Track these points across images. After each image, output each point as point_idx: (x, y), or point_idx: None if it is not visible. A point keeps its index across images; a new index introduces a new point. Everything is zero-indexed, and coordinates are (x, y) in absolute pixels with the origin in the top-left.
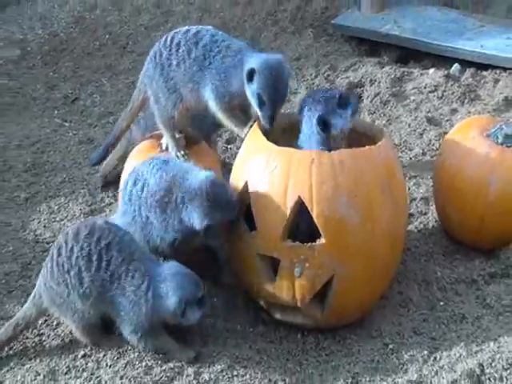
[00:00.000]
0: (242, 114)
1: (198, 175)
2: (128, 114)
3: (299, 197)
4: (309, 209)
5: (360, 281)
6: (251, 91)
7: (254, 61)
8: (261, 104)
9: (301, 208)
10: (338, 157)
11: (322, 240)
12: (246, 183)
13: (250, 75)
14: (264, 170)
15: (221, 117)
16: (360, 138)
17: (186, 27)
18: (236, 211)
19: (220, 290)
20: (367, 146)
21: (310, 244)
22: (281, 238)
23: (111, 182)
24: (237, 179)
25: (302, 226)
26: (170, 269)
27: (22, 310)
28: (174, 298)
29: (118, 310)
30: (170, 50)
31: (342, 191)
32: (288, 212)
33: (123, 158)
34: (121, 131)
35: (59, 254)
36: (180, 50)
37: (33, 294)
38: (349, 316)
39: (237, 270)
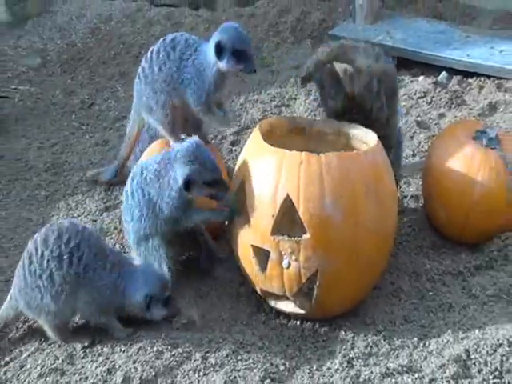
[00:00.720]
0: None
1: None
2: (127, 142)
3: (288, 194)
4: (296, 206)
5: (344, 276)
6: (225, 60)
7: (215, 38)
8: (240, 59)
9: None
10: (325, 159)
11: (307, 236)
12: (243, 181)
13: (218, 49)
14: (258, 168)
15: (202, 117)
16: (356, 143)
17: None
18: (217, 174)
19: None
20: (355, 151)
21: (296, 238)
22: (270, 231)
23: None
24: (236, 177)
25: None
26: (142, 266)
27: None
28: (142, 292)
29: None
30: (151, 60)
31: (328, 191)
32: (277, 208)
33: None
34: (124, 159)
35: (30, 262)
36: (160, 56)
37: (9, 297)
38: (336, 308)
39: (237, 261)
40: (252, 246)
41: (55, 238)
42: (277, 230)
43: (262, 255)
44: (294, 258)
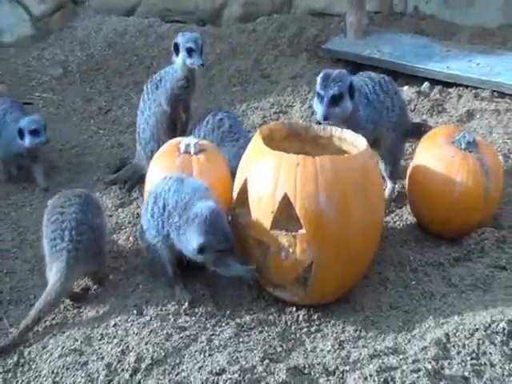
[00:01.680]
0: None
1: (204, 203)
2: None
3: (285, 193)
4: (293, 204)
5: (335, 267)
6: (182, 56)
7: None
8: (191, 52)
9: None
10: (319, 161)
11: (303, 231)
12: (246, 180)
13: (176, 47)
14: (259, 169)
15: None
16: (347, 146)
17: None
18: (229, 243)
19: None
20: (346, 155)
21: (292, 233)
22: (270, 226)
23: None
24: (239, 177)
25: None
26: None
27: None
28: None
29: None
30: (143, 96)
31: (321, 190)
32: (276, 205)
33: None
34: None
35: None
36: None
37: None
38: (327, 296)
39: (240, 252)
40: (253, 238)
41: None
42: (275, 225)
43: (261, 247)
44: (291, 250)
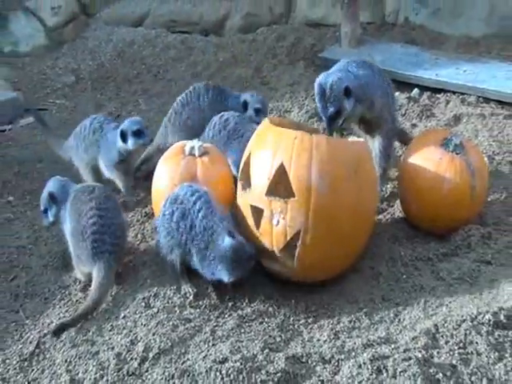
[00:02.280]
0: None
1: (225, 241)
2: None
3: (282, 163)
4: (287, 173)
5: (323, 241)
6: (131, 140)
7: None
8: (140, 135)
9: None
10: (316, 139)
11: (295, 198)
12: (250, 154)
13: (123, 136)
14: (262, 142)
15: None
16: None
17: None
18: (254, 260)
19: None
20: (343, 139)
21: (285, 199)
22: (265, 192)
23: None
24: (245, 152)
25: None
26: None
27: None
28: None
29: None
30: None
31: (314, 164)
32: (273, 173)
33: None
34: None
35: None
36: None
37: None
38: (316, 272)
39: (239, 222)
40: (251, 205)
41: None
42: (271, 191)
43: (257, 214)
44: (282, 216)
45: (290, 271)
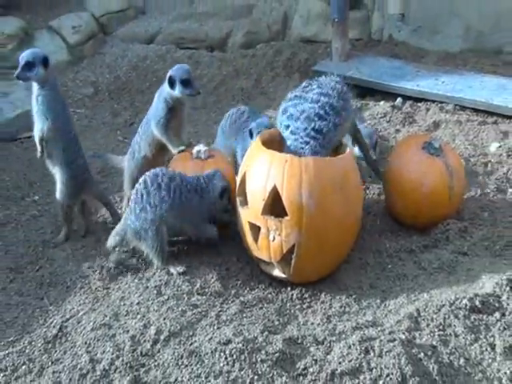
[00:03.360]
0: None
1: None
2: None
3: (275, 185)
4: (280, 194)
5: (315, 250)
6: (178, 88)
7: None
8: (187, 85)
9: None
10: (304, 161)
11: (288, 217)
12: (245, 174)
13: (171, 82)
14: (255, 164)
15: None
16: (335, 152)
17: None
18: None
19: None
20: (328, 157)
21: (279, 219)
22: (261, 211)
23: None
24: (241, 170)
25: None
26: None
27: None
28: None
29: None
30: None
31: (304, 185)
32: (267, 194)
33: None
34: None
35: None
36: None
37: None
38: (310, 275)
39: (240, 235)
40: (248, 222)
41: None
42: (266, 211)
43: (255, 230)
44: (277, 233)
45: (287, 276)
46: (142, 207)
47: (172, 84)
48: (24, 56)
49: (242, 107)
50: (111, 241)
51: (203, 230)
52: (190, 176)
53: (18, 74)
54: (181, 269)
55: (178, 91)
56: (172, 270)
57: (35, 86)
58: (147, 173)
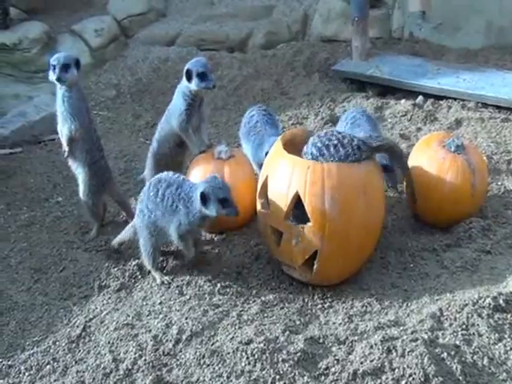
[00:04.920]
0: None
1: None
2: None
3: (297, 191)
4: (302, 200)
5: (337, 256)
6: (195, 81)
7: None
8: (204, 78)
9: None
10: (327, 166)
11: (310, 223)
12: (267, 178)
13: (188, 75)
14: (277, 168)
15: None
16: None
17: None
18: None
19: None
20: (351, 163)
21: (301, 225)
22: (284, 217)
23: None
24: (263, 173)
25: None
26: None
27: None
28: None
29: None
30: None
31: (327, 191)
32: (289, 200)
33: None
34: None
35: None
36: None
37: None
38: (331, 278)
39: (262, 237)
40: (271, 226)
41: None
42: (288, 216)
43: (277, 234)
44: (300, 239)
45: (308, 279)
46: (140, 208)
47: (189, 77)
48: (60, 58)
49: (254, 109)
50: (125, 235)
51: (182, 244)
52: (188, 182)
53: (59, 76)
54: (166, 280)
55: (194, 84)
56: (157, 277)
57: (62, 88)
58: (157, 176)
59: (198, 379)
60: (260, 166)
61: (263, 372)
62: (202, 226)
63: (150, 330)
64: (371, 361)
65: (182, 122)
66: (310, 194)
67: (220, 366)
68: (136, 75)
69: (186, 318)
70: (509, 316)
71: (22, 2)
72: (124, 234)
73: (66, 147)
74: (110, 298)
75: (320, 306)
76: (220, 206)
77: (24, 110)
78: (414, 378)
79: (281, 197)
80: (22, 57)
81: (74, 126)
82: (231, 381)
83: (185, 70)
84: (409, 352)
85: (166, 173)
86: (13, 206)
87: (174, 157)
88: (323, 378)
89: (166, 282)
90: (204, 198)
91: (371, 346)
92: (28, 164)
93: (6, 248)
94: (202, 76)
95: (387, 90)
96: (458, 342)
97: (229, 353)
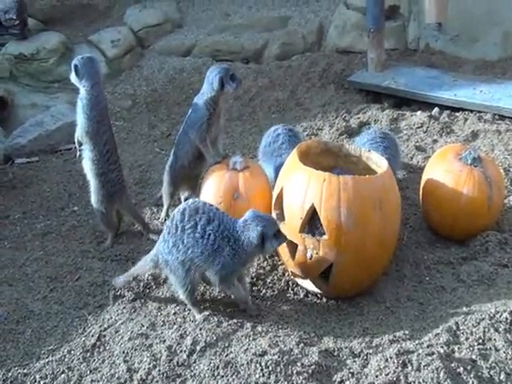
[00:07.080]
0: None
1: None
2: None
3: (313, 204)
4: (318, 213)
5: (353, 269)
6: (230, 84)
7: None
8: (234, 79)
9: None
10: (343, 179)
11: (326, 237)
12: (282, 189)
13: (222, 83)
14: (293, 180)
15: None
16: (372, 164)
17: None
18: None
19: None
20: (367, 176)
21: (317, 238)
22: (299, 230)
23: None
24: (278, 184)
25: None
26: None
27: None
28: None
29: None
30: None
31: (343, 204)
32: (304, 213)
33: None
34: None
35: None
36: None
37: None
38: (347, 291)
39: (277, 250)
40: None
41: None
42: (303, 229)
43: (292, 246)
44: (315, 252)
45: (323, 292)
46: (174, 242)
47: (222, 83)
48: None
49: (279, 129)
50: (145, 266)
51: (227, 287)
52: (229, 218)
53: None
54: (202, 317)
55: (231, 87)
56: (196, 313)
57: (80, 91)
58: (189, 201)
59: None
60: None
61: None
62: (249, 265)
63: (165, 341)
64: (386, 374)
65: (203, 133)
66: (326, 206)
67: (234, 377)
68: (152, 85)
69: (201, 329)
70: None
71: (40, 12)
72: (139, 270)
73: (77, 148)
74: (124, 307)
75: (335, 318)
76: (275, 240)
77: (41, 120)
78: None
79: (296, 209)
80: (39, 67)
81: (80, 129)
82: None
83: (218, 79)
84: (424, 366)
85: (198, 200)
86: (29, 215)
87: (193, 169)
88: None
89: (202, 319)
90: (263, 239)
91: (386, 360)
92: (44, 173)
93: (22, 257)
94: (233, 78)
95: (403, 101)
96: (474, 357)
97: (243, 364)
